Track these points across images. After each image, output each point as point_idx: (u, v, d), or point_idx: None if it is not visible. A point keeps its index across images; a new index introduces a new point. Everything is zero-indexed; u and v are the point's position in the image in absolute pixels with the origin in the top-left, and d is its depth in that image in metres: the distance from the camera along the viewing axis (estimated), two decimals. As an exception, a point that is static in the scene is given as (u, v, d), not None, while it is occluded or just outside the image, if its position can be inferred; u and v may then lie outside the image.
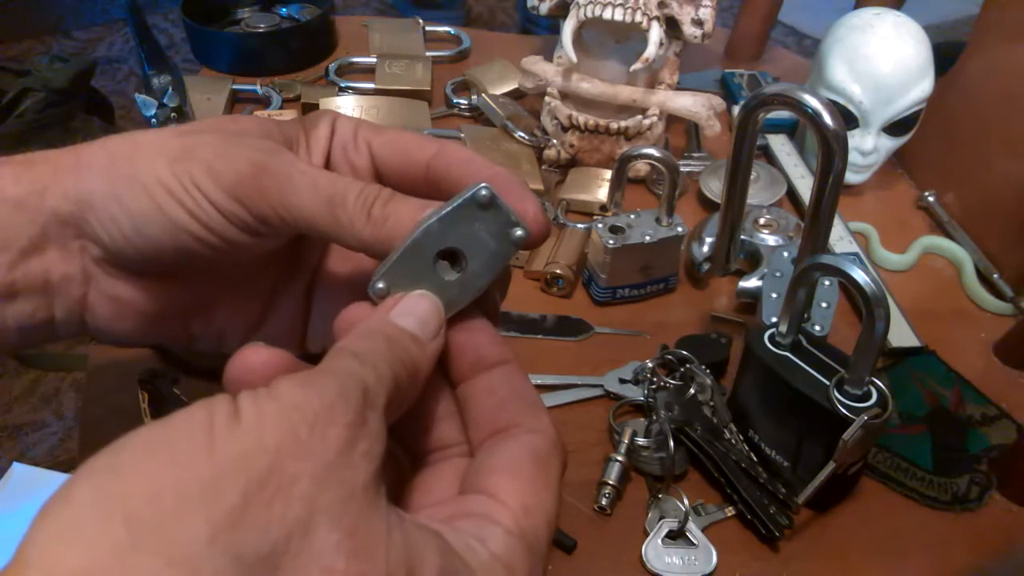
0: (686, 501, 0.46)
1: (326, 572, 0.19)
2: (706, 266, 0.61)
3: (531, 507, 0.24)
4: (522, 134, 0.72)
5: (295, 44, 0.86)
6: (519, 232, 0.27)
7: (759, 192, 0.68)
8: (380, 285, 0.27)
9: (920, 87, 0.65)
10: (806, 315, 0.53)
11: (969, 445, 0.51)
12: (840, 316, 0.57)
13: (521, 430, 0.26)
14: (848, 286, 0.40)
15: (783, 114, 0.72)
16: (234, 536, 0.18)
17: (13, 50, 2.11)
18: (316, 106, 0.77)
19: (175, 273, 0.32)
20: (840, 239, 0.65)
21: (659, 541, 0.45)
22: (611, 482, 0.47)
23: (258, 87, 0.81)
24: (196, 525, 0.18)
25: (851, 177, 0.70)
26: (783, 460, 0.47)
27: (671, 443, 0.46)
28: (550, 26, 0.85)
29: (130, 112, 1.83)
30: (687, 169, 0.74)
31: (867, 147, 0.67)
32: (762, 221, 0.62)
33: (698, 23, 0.67)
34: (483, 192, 0.27)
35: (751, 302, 0.58)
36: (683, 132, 0.79)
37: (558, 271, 0.60)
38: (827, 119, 0.42)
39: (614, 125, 0.68)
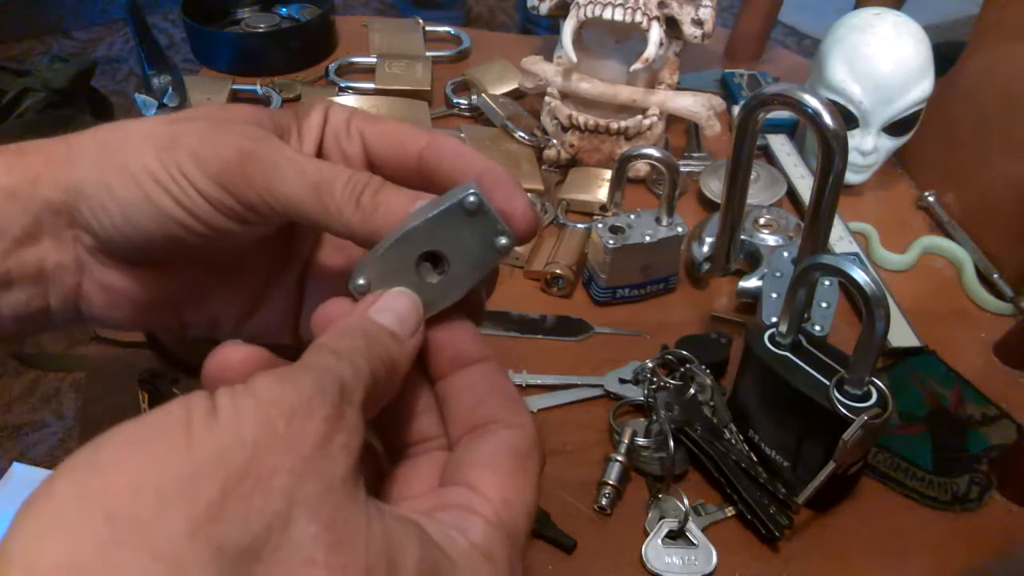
0: (686, 501, 0.46)
1: (306, 564, 0.19)
2: (706, 266, 0.61)
3: (511, 499, 0.24)
4: (522, 134, 0.72)
5: (295, 44, 0.86)
6: (504, 241, 0.27)
7: (759, 192, 0.68)
8: (361, 281, 0.27)
9: (920, 87, 0.65)
10: (806, 315, 0.53)
11: (969, 445, 0.51)
12: (840, 316, 0.57)
13: (500, 425, 0.26)
14: (848, 286, 0.40)
15: (783, 114, 0.72)
16: (215, 529, 0.18)
17: (13, 50, 2.11)
18: (316, 106, 0.77)
19: (167, 262, 0.31)
20: (840, 239, 0.65)
21: (659, 541, 0.45)
22: (611, 482, 0.47)
23: (258, 87, 0.81)
24: (177, 520, 0.18)
25: (851, 177, 0.70)
26: (783, 460, 0.47)
27: (671, 443, 0.46)
28: (550, 26, 0.85)
29: (130, 112, 1.82)
30: (687, 169, 0.73)
31: (867, 147, 0.67)
32: (762, 221, 0.62)
33: (698, 23, 0.67)
34: (471, 199, 0.26)
35: (751, 302, 0.58)
36: (683, 132, 0.79)
37: (558, 271, 0.60)
38: (827, 119, 0.42)
39: (614, 125, 0.68)
